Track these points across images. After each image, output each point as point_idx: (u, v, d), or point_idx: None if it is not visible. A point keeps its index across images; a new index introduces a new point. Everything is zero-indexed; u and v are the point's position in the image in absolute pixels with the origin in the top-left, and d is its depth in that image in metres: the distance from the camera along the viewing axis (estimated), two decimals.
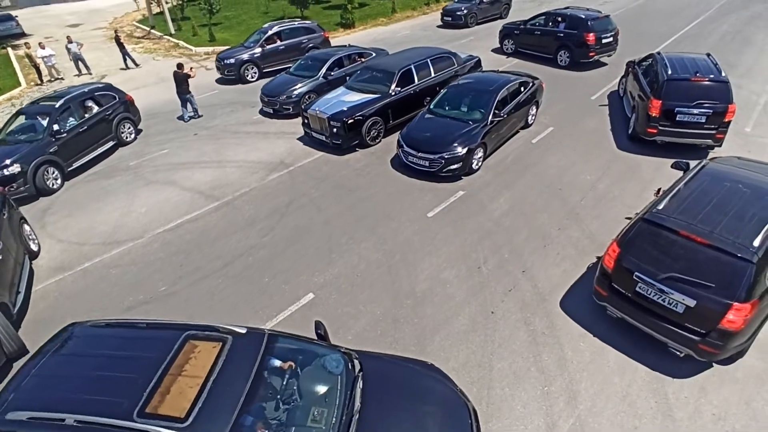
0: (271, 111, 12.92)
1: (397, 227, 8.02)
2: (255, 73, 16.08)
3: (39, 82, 17.92)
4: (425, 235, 7.77)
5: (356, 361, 4.29)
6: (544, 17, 16.27)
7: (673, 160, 7.30)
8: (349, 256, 7.41)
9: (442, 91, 10.42)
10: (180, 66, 12.61)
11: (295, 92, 12.56)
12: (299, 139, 11.56)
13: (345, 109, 10.34)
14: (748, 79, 13.50)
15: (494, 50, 17.84)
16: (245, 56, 15.86)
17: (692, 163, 6.74)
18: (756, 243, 4.78)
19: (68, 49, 18.17)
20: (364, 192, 9.15)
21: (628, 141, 10.39)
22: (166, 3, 25.58)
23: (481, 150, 9.40)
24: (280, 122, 12.64)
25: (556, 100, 12.75)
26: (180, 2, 27.27)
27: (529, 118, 11.12)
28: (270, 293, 6.79)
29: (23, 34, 26.07)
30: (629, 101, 11.37)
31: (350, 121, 10.17)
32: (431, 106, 10.21)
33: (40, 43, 17.75)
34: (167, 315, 6.42)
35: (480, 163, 9.57)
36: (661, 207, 5.38)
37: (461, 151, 8.92)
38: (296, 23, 17.58)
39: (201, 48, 21.17)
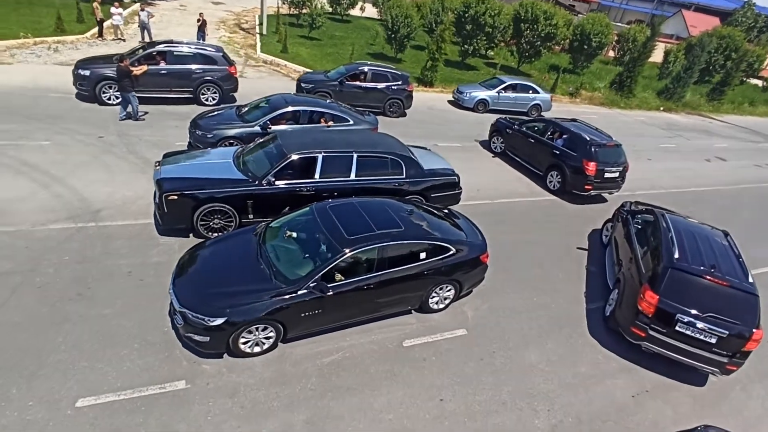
0: (190, 142, 10.61)
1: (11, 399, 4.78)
2: (117, 95, 12.00)
3: (98, 35, 18.52)
4: None
5: None
6: (543, 124, 12.86)
7: None
8: None
9: (302, 209, 6.83)
10: (121, 59, 10.96)
11: (215, 131, 10.00)
12: None
13: (178, 177, 7.39)
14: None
15: (483, 143, 14.49)
16: (107, 71, 11.92)
17: None
18: None
19: (138, 16, 18.57)
20: (87, 306, 6.06)
21: (605, 329, 7.39)
22: (273, 5, 25.65)
23: (271, 330, 5.64)
24: None
25: (517, 261, 8.15)
26: (297, 10, 27.19)
27: (433, 301, 6.84)
28: None
29: None
30: (612, 260, 8.55)
31: (172, 197, 7.15)
32: (269, 224, 6.71)
33: (114, 3, 18.34)
34: None
35: (270, 345, 5.79)
36: None
37: (213, 321, 5.28)
38: (194, 48, 13.48)
39: (265, 55, 20.14)
